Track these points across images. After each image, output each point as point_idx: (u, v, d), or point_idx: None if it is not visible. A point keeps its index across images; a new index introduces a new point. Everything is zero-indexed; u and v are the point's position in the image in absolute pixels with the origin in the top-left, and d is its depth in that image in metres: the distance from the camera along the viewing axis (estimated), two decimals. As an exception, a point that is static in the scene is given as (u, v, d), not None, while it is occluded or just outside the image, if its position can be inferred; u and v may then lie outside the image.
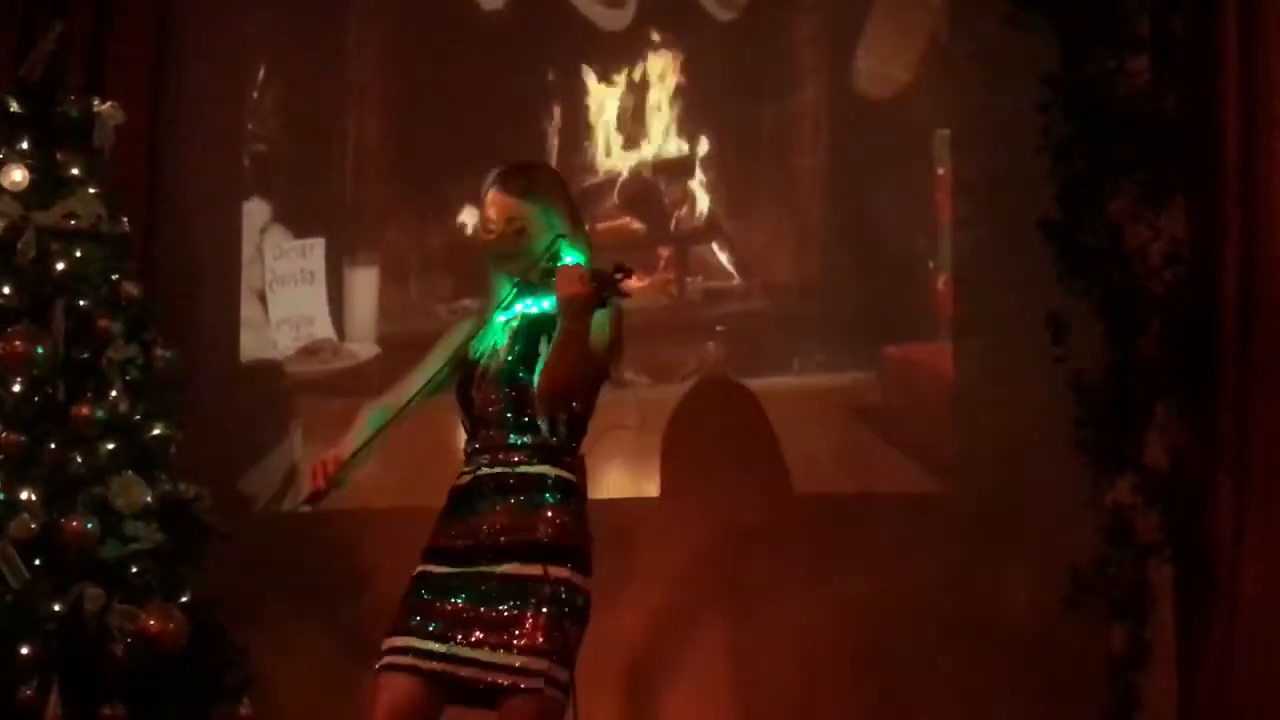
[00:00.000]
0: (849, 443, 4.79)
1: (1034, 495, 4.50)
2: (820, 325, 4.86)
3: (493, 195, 3.64)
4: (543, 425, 3.53)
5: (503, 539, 3.47)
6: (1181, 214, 4.42)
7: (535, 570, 3.43)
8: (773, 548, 4.74)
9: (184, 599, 4.55)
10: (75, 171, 4.74)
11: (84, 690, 4.34)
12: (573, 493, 3.54)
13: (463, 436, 3.67)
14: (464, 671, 3.41)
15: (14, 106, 4.76)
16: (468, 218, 5.23)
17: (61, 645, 4.35)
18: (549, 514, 3.49)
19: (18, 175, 4.66)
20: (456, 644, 3.42)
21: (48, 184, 4.71)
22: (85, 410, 4.54)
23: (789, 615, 4.67)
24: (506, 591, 3.43)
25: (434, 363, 3.67)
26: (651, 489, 4.95)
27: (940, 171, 4.77)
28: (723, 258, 5.03)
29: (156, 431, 4.68)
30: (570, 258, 3.56)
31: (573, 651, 3.44)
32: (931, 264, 4.78)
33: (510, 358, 3.57)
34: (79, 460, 4.53)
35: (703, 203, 5.06)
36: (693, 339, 5.00)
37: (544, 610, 3.41)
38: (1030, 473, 4.50)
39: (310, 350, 5.47)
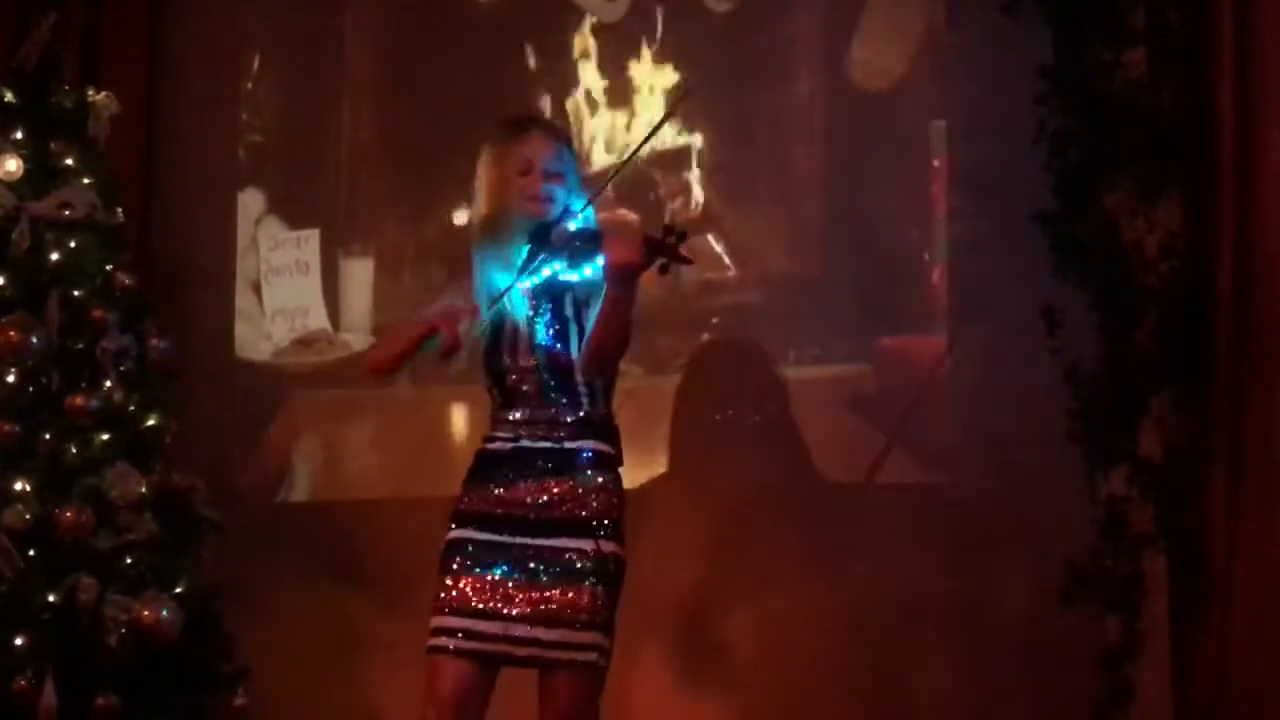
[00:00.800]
0: (843, 434, 4.79)
1: (1028, 487, 4.50)
2: (815, 317, 4.87)
3: (536, 136, 3.51)
4: (584, 399, 3.49)
5: (554, 513, 3.45)
6: (1177, 207, 4.42)
7: (586, 545, 3.43)
8: (767, 538, 4.74)
9: (178, 590, 4.53)
10: (70, 162, 4.73)
11: (78, 680, 4.33)
12: (614, 465, 3.53)
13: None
14: (520, 651, 3.42)
15: (8, 96, 4.74)
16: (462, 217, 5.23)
17: (56, 635, 4.34)
18: (595, 488, 3.47)
19: (12, 165, 4.65)
20: (512, 622, 3.41)
21: (42, 174, 4.69)
22: (80, 401, 4.53)
23: (783, 605, 4.67)
24: (556, 566, 3.43)
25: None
26: (642, 478, 4.96)
27: (936, 163, 4.78)
28: (718, 249, 5.02)
29: (151, 422, 4.67)
30: (588, 219, 3.43)
31: (615, 618, 3.47)
32: (927, 256, 4.79)
33: (540, 326, 3.49)
34: (73, 451, 4.52)
35: (698, 194, 5.05)
36: (688, 330, 5.00)
37: (593, 583, 3.42)
38: (1025, 465, 4.51)
39: (305, 341, 5.46)
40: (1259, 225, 4.34)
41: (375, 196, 5.50)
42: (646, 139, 3.57)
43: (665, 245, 3.30)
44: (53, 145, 4.72)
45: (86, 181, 4.73)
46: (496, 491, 3.49)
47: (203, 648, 4.58)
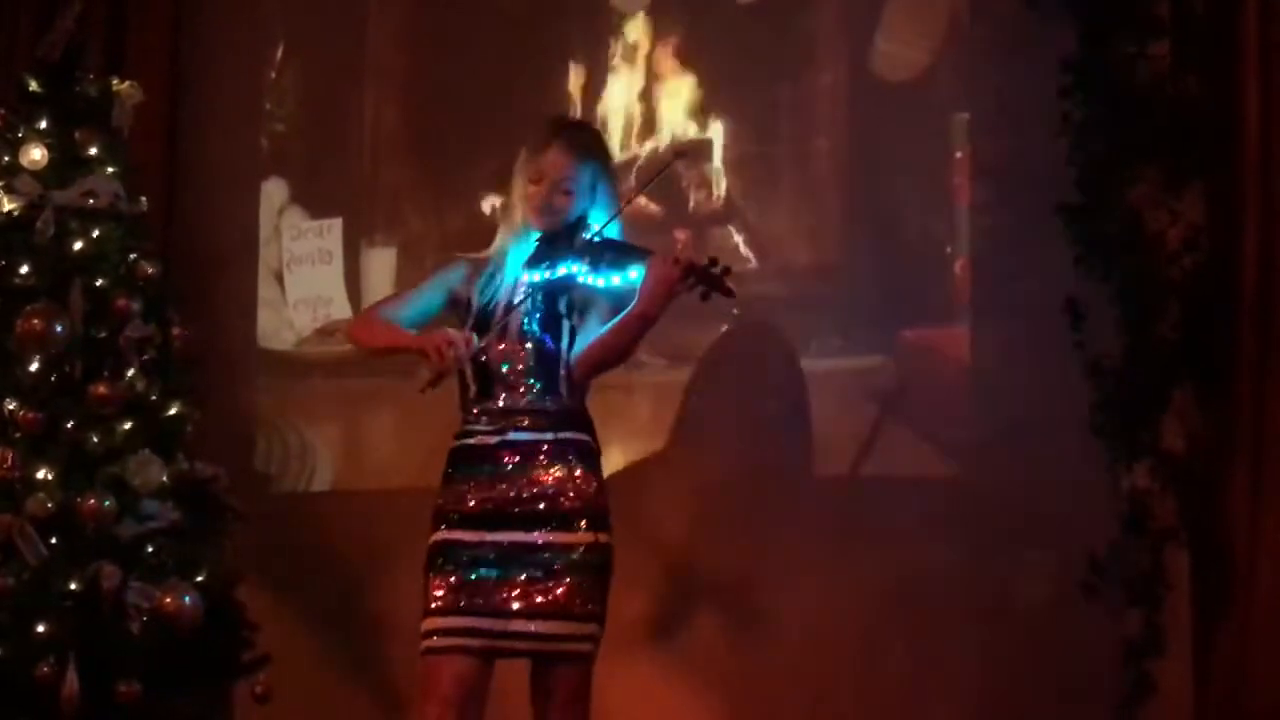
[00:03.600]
0: (865, 426, 4.78)
1: (1050, 480, 4.49)
2: (837, 309, 4.86)
3: (556, 150, 3.57)
4: (564, 389, 3.53)
5: (541, 505, 3.48)
6: (1201, 200, 4.41)
7: (576, 537, 3.47)
8: (788, 530, 4.74)
9: (200, 578, 4.55)
10: (94, 151, 4.73)
11: (100, 667, 4.34)
12: (595, 456, 3.57)
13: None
14: (518, 645, 3.46)
15: (33, 86, 4.75)
16: (490, 205, 5.22)
17: (78, 623, 4.35)
18: (580, 480, 3.51)
19: (36, 154, 4.66)
20: (509, 618, 3.44)
21: (66, 163, 4.70)
22: (103, 389, 4.54)
23: (803, 597, 4.67)
24: (547, 559, 3.46)
25: (429, 293, 3.64)
26: (664, 469, 4.97)
27: (959, 155, 4.77)
28: (740, 241, 5.02)
29: (174, 410, 4.68)
30: (605, 232, 3.54)
31: (606, 605, 3.53)
32: (949, 248, 4.78)
33: (535, 317, 3.54)
34: (96, 439, 4.53)
35: (720, 185, 5.05)
36: (708, 322, 4.99)
37: (586, 576, 3.47)
38: (1047, 458, 4.50)
39: (327, 331, 5.47)
40: (1283, 218, 4.32)
41: (398, 186, 5.51)
42: (658, 174, 3.72)
43: (710, 274, 3.40)
44: (77, 134, 4.73)
45: (110, 170, 4.73)
46: (479, 486, 3.52)
47: (224, 635, 4.59)
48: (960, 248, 4.75)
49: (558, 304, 3.53)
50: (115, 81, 4.85)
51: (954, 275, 4.76)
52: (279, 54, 5.64)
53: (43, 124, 4.71)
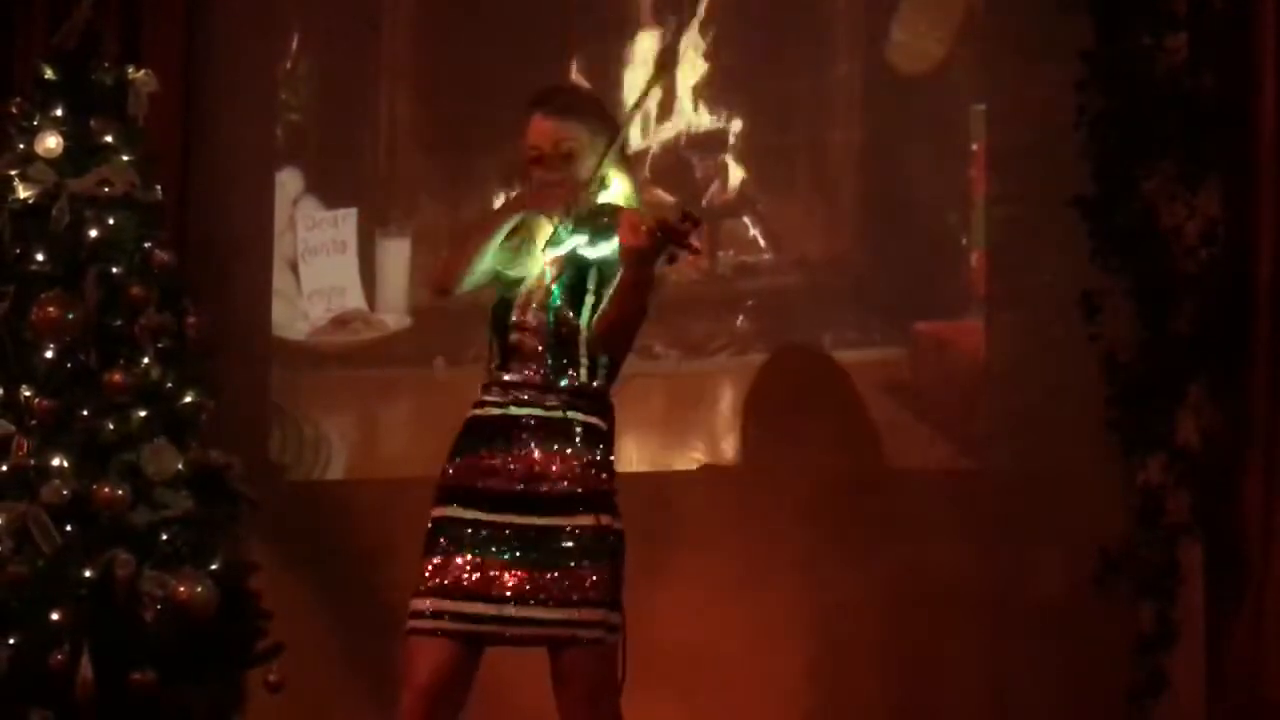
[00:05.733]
0: (879, 419, 4.78)
1: (1064, 474, 4.49)
2: (852, 301, 4.86)
3: (535, 120, 3.51)
4: (583, 369, 3.46)
5: (542, 488, 3.41)
6: (1217, 193, 4.40)
7: (581, 520, 3.39)
8: (801, 523, 4.74)
9: (214, 566, 4.56)
10: (109, 139, 4.75)
11: (115, 656, 4.36)
12: (605, 439, 3.48)
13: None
14: (511, 631, 3.38)
15: (49, 74, 4.76)
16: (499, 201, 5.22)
17: (92, 611, 4.37)
18: (586, 461, 3.42)
19: (52, 142, 4.67)
20: (505, 603, 3.36)
21: (81, 151, 4.71)
22: (117, 377, 4.55)
23: (816, 589, 4.67)
24: (550, 544, 3.38)
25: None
26: (678, 463, 4.97)
27: (975, 147, 4.76)
28: (754, 232, 5.02)
29: (188, 399, 4.69)
30: (617, 184, 3.45)
31: (620, 592, 3.42)
32: (965, 240, 4.77)
33: (557, 290, 3.46)
34: (111, 427, 4.54)
35: (735, 177, 5.05)
36: (724, 313, 5.00)
37: (593, 560, 3.37)
38: (1061, 451, 4.49)
39: (341, 320, 5.48)
40: (1300, 212, 4.31)
41: (413, 176, 5.51)
42: (637, 104, 3.62)
43: (674, 231, 3.30)
44: (92, 123, 4.75)
45: (125, 159, 4.75)
46: (484, 464, 3.44)
47: (237, 624, 4.60)
48: (975, 240, 4.74)
49: (586, 279, 3.46)
50: (130, 70, 4.86)
51: (969, 267, 4.75)
52: (294, 44, 5.65)
53: (58, 112, 4.73)
